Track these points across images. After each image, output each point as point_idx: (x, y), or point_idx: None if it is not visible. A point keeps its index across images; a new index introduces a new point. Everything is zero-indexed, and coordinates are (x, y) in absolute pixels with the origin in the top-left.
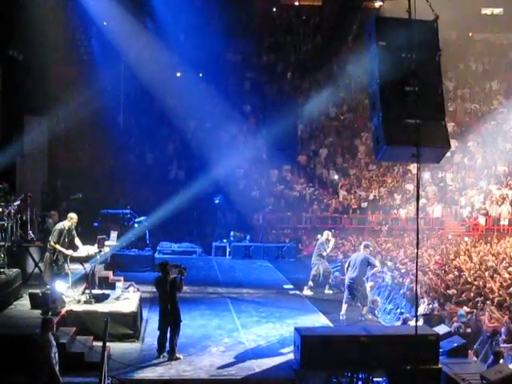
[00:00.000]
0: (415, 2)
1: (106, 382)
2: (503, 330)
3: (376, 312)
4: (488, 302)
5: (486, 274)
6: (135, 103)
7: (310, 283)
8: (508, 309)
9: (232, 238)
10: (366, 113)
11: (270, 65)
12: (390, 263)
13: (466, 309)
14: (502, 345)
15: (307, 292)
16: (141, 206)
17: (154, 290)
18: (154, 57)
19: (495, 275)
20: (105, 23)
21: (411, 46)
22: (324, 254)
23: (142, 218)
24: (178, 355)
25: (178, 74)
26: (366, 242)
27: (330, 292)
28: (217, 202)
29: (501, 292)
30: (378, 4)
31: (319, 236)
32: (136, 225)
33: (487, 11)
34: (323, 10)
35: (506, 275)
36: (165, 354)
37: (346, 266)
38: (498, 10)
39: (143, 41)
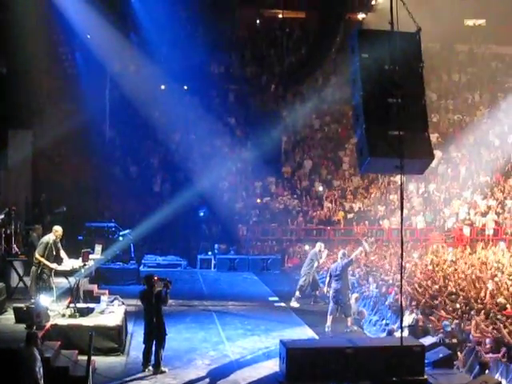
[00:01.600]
0: (398, 14)
1: None
2: (488, 340)
3: (361, 323)
4: (473, 311)
5: (471, 283)
6: (120, 116)
7: (297, 294)
8: (493, 319)
9: (217, 251)
10: (350, 124)
11: (253, 77)
12: (375, 274)
13: (451, 319)
14: (487, 355)
15: (294, 304)
16: (125, 219)
17: (139, 303)
18: (139, 70)
19: (481, 285)
20: (88, 36)
21: (394, 58)
22: (315, 264)
23: (126, 231)
24: (163, 368)
25: (163, 87)
26: (343, 250)
27: (315, 304)
28: (201, 214)
29: (486, 302)
30: (360, 16)
31: (307, 247)
32: (121, 238)
33: (470, 22)
34: (307, 22)
35: (490, 286)
36: (150, 367)
37: (328, 278)
38: (480, 21)
39: (127, 53)
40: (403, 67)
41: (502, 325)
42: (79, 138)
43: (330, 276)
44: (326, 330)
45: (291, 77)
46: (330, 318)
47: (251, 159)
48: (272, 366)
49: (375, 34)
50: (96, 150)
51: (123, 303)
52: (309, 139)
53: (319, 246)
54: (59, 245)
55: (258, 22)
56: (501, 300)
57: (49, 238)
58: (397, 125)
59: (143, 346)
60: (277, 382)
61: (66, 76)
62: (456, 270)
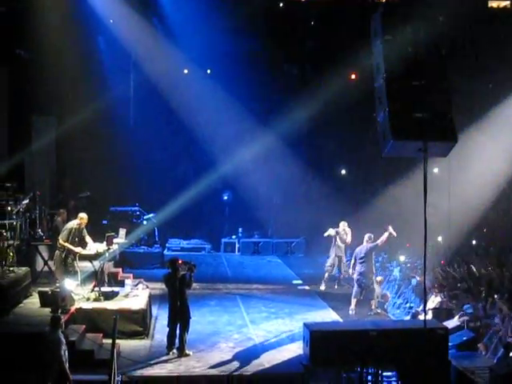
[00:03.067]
0: None
1: (116, 379)
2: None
3: (385, 306)
4: (497, 295)
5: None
6: (143, 101)
7: (326, 276)
8: None
9: (241, 234)
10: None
11: (277, 61)
12: (401, 258)
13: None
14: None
15: (322, 287)
16: (149, 203)
17: (164, 286)
18: (162, 54)
19: (503, 268)
20: (111, 21)
21: (417, 40)
22: (339, 244)
23: (150, 215)
24: (187, 352)
25: (186, 71)
26: (369, 233)
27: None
28: (225, 198)
29: (510, 286)
30: None
31: (331, 229)
32: (145, 222)
33: (494, 4)
34: (330, 5)
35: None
36: (174, 350)
37: (353, 261)
38: (505, 3)
39: (150, 38)
40: (427, 50)
41: None
42: (103, 122)
43: (355, 259)
44: (350, 312)
45: (315, 60)
46: (354, 301)
47: (275, 143)
48: (296, 349)
49: (398, 15)
50: (120, 135)
51: (147, 287)
52: (333, 121)
53: (342, 224)
54: (84, 231)
55: (280, 5)
56: None
57: (73, 223)
58: (420, 107)
59: (167, 329)
60: (301, 365)
61: (89, 61)
62: (480, 253)
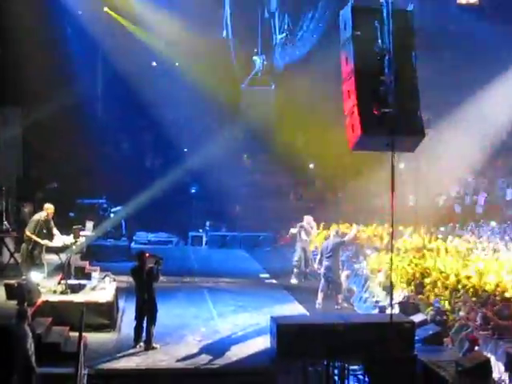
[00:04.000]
0: None
1: (83, 372)
2: (477, 317)
3: (352, 300)
4: (462, 290)
5: (462, 262)
6: (112, 93)
7: (295, 270)
8: (482, 297)
9: (208, 228)
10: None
11: (244, 53)
12: (368, 251)
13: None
14: (476, 332)
15: (293, 281)
16: (117, 196)
17: (131, 279)
18: (130, 46)
19: (471, 264)
20: (80, 12)
21: (387, 36)
22: (304, 238)
23: (117, 208)
24: (154, 345)
25: (154, 64)
26: (336, 228)
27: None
28: (193, 191)
29: (475, 281)
30: None
31: (292, 228)
32: (112, 215)
33: (463, 0)
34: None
35: (479, 265)
36: (141, 343)
37: (319, 256)
38: (474, 0)
39: (119, 30)
40: (396, 44)
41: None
42: (71, 114)
43: (322, 254)
44: (317, 306)
45: (284, 52)
46: (320, 295)
47: (242, 136)
48: (263, 343)
49: (368, 10)
50: (88, 127)
51: (114, 280)
52: (300, 117)
53: (306, 219)
54: (51, 222)
55: None
56: (489, 279)
57: (40, 215)
58: (388, 102)
59: (134, 322)
60: (268, 358)
61: (57, 52)
62: (447, 248)
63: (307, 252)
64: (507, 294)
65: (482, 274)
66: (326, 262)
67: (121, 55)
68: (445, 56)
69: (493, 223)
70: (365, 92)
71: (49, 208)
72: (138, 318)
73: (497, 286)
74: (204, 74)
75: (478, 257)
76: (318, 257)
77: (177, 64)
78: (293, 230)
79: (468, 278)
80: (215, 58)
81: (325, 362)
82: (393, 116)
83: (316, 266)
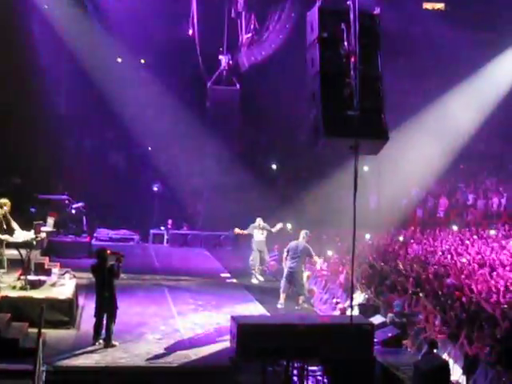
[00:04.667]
0: None
1: (41, 368)
2: (436, 320)
3: (312, 301)
4: (422, 293)
5: (422, 265)
6: (75, 89)
7: (254, 270)
8: (441, 300)
9: (170, 226)
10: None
11: (212, 53)
12: (329, 252)
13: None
14: (435, 335)
15: (254, 280)
16: (79, 192)
17: (91, 276)
18: (95, 41)
19: (430, 267)
20: (46, 6)
21: (352, 38)
22: (262, 239)
23: (79, 204)
24: (114, 342)
25: (119, 60)
26: (305, 230)
27: (261, 279)
28: (155, 189)
29: (435, 284)
30: None
31: (251, 225)
32: (73, 211)
33: (429, 5)
34: None
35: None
36: (101, 340)
37: (285, 254)
38: (439, 5)
39: (84, 25)
40: (361, 48)
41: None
42: (33, 110)
43: (288, 252)
44: (279, 306)
45: (249, 52)
46: (283, 296)
47: (207, 135)
48: (223, 342)
49: (335, 12)
50: (50, 123)
51: (74, 276)
52: (265, 116)
53: (258, 220)
54: (9, 216)
55: None
56: (447, 281)
57: None
58: (353, 105)
59: (94, 319)
60: (227, 358)
61: (22, 47)
62: (407, 251)
63: (262, 252)
64: (465, 298)
65: (441, 278)
66: (291, 263)
67: (85, 50)
68: (407, 60)
69: (454, 227)
70: (329, 94)
71: (5, 203)
72: (98, 315)
73: (456, 289)
74: (170, 72)
75: (438, 260)
76: (284, 255)
77: (142, 61)
78: (242, 231)
79: (428, 281)
80: (182, 56)
81: (284, 363)
82: (357, 119)
83: (283, 263)
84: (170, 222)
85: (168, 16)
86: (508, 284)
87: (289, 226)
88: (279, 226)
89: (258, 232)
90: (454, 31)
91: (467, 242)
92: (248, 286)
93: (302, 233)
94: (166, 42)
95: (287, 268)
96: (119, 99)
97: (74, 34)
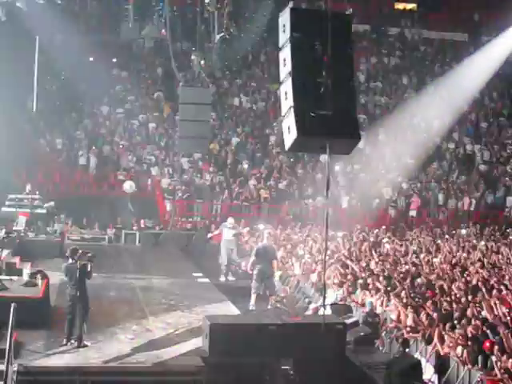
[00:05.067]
0: None
1: (13, 369)
2: (409, 320)
3: (284, 301)
4: (394, 292)
5: (394, 264)
6: (47, 87)
7: (222, 269)
8: (413, 299)
9: (142, 226)
10: (278, 103)
11: (183, 52)
12: (300, 252)
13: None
14: (407, 334)
15: (222, 278)
16: (50, 192)
17: (62, 276)
18: (67, 40)
19: (402, 266)
20: (18, 4)
21: (325, 38)
22: (231, 238)
23: (51, 204)
24: (85, 342)
25: (91, 59)
26: (268, 230)
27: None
28: (127, 188)
29: (405, 283)
30: None
31: (222, 224)
32: (45, 210)
33: (400, 6)
34: None
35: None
36: (72, 341)
37: (253, 257)
38: (411, 5)
39: (56, 24)
40: (334, 48)
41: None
42: (4, 108)
43: (256, 255)
44: (250, 308)
45: (221, 53)
46: (253, 297)
47: (178, 134)
48: (195, 342)
49: (307, 12)
50: (21, 121)
51: (46, 276)
52: (237, 116)
53: (229, 219)
54: None
55: None
56: (418, 281)
57: None
58: (325, 104)
59: (66, 319)
60: (200, 358)
61: None
62: (379, 250)
63: (232, 251)
64: (436, 297)
65: (413, 277)
66: (261, 265)
67: (57, 48)
68: (379, 59)
69: (423, 227)
70: (302, 94)
71: None
72: (70, 315)
73: (427, 289)
74: (142, 71)
75: (409, 260)
76: (252, 258)
77: (114, 60)
78: (215, 231)
79: (399, 280)
80: (155, 55)
81: (256, 362)
82: (329, 118)
83: (249, 266)
84: (142, 221)
85: (137, 17)
86: (480, 283)
87: (261, 226)
88: (247, 228)
89: (229, 231)
90: (425, 32)
91: (438, 241)
92: (220, 286)
93: (265, 233)
94: (137, 41)
95: (257, 269)
96: (90, 98)
97: (46, 32)
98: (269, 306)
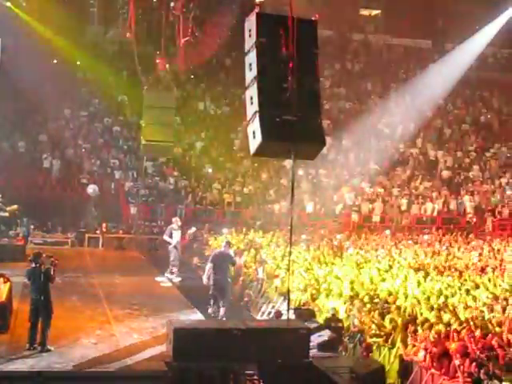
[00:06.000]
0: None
1: None
2: (372, 324)
3: (248, 306)
4: (357, 297)
5: (357, 270)
6: (10, 89)
7: (174, 269)
8: (376, 304)
9: (105, 229)
10: (243, 107)
11: (148, 56)
12: (263, 257)
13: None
14: (370, 339)
15: (168, 275)
16: (12, 195)
17: (25, 280)
18: (32, 42)
19: (365, 271)
20: None
21: (290, 44)
22: (171, 240)
23: (13, 207)
24: (48, 347)
25: (55, 61)
26: (226, 239)
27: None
28: (90, 191)
29: (369, 288)
30: (258, 0)
31: (169, 226)
32: (7, 214)
33: (365, 12)
34: (204, 1)
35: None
36: (35, 345)
37: (210, 264)
38: (375, 12)
39: (21, 26)
40: (299, 53)
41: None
42: None
43: (212, 261)
44: (210, 313)
45: (186, 57)
46: (212, 302)
47: (142, 138)
48: (159, 346)
49: (273, 18)
50: None
51: (9, 280)
52: (201, 121)
53: (175, 220)
54: None
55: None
56: (382, 287)
57: None
58: (290, 110)
59: (29, 323)
60: (164, 362)
61: None
62: (342, 255)
63: (179, 251)
64: (399, 302)
65: (376, 282)
66: (217, 275)
67: (20, 51)
68: (344, 65)
69: (387, 232)
70: (267, 99)
71: None
72: (33, 320)
73: (390, 294)
74: (107, 74)
75: (372, 265)
76: (209, 265)
77: (78, 63)
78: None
79: (362, 285)
80: (120, 58)
81: (220, 367)
82: (294, 123)
83: (205, 278)
84: (104, 225)
85: (102, 19)
86: (442, 288)
87: (225, 230)
88: (194, 229)
89: (177, 232)
90: (389, 38)
91: (401, 246)
92: (184, 290)
93: (224, 241)
94: (101, 44)
95: (213, 280)
96: (54, 100)
97: (9, 34)
98: (227, 313)
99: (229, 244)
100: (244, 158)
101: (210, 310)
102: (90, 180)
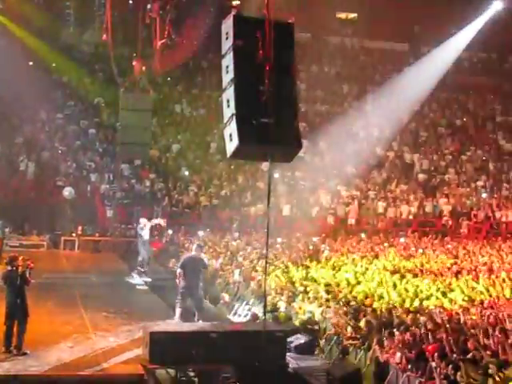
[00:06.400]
0: (272, 3)
1: None
2: (348, 327)
3: (224, 309)
4: (334, 300)
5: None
6: None
7: (139, 269)
8: (352, 307)
9: (81, 232)
10: (220, 110)
11: (124, 58)
12: (240, 259)
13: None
14: (347, 341)
15: (134, 274)
16: None
17: (1, 283)
18: (6, 44)
19: (341, 274)
20: None
21: (267, 47)
22: (145, 239)
23: None
24: (24, 350)
25: (31, 63)
26: (198, 242)
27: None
28: (66, 194)
29: (346, 291)
30: (235, 2)
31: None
32: None
33: (342, 15)
34: (180, 3)
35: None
36: (11, 348)
37: (180, 270)
38: (352, 15)
39: None
40: (276, 56)
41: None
42: None
43: (182, 267)
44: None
45: (162, 59)
46: (179, 311)
47: (118, 141)
48: (135, 350)
49: (250, 20)
50: None
51: None
52: (178, 123)
53: (142, 221)
54: None
55: (130, 1)
56: (358, 289)
57: None
58: (267, 113)
59: (4, 327)
60: (140, 366)
61: None
62: (319, 258)
63: (147, 251)
64: (375, 305)
65: (352, 285)
66: (188, 280)
67: None
68: (320, 68)
69: (363, 235)
70: (244, 101)
71: None
72: (9, 323)
73: (366, 296)
74: (83, 76)
75: (348, 268)
76: (180, 271)
77: (54, 64)
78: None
79: (338, 287)
80: (96, 60)
81: (197, 370)
82: (271, 126)
83: (178, 281)
84: (80, 228)
85: (77, 21)
86: (418, 291)
87: (201, 233)
88: (157, 221)
89: (146, 232)
90: (366, 41)
91: (377, 249)
92: (159, 293)
93: (194, 246)
94: (77, 46)
95: (182, 286)
96: (29, 103)
97: None
98: (195, 319)
99: (200, 247)
100: (220, 161)
101: (176, 320)
102: (65, 182)
